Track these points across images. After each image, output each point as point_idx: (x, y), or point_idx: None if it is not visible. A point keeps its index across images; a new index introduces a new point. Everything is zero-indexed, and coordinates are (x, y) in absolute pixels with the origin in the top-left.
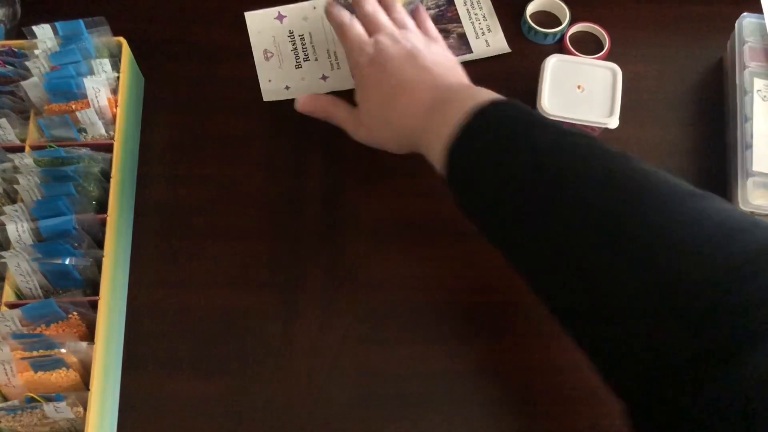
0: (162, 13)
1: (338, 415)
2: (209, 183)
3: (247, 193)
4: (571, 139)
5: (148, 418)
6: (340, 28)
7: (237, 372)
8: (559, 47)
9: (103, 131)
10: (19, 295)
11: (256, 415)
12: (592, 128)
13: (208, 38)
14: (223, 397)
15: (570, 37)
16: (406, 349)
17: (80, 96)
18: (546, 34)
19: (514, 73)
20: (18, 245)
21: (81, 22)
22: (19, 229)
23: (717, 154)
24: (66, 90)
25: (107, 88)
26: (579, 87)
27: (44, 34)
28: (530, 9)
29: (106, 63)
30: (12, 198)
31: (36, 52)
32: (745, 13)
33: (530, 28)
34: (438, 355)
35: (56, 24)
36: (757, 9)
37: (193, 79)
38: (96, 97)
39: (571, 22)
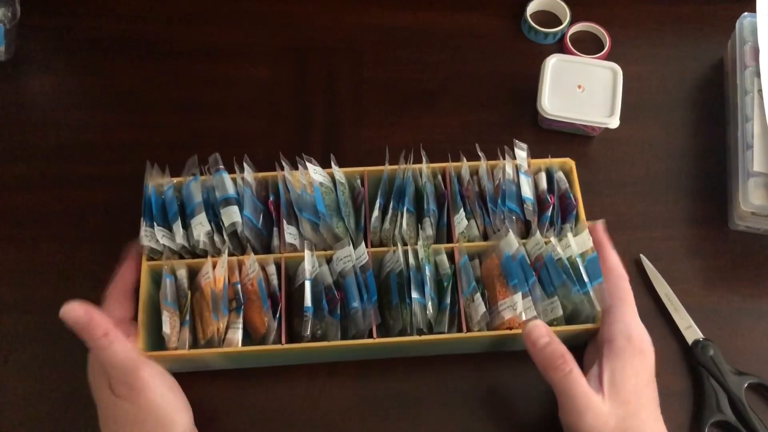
0: (161, 13)
1: (338, 415)
2: None
3: None
4: None
5: None
6: None
7: (237, 372)
8: (559, 47)
9: None
10: None
11: (256, 415)
12: (593, 128)
13: (208, 38)
14: (224, 397)
15: (570, 36)
16: None
17: None
18: (546, 34)
19: (514, 73)
20: None
21: None
22: None
23: (717, 154)
24: None
25: None
26: (579, 87)
27: None
28: (530, 9)
29: None
30: None
31: None
32: (745, 13)
33: (530, 27)
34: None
35: None
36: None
37: (193, 79)
38: None
39: (572, 22)
